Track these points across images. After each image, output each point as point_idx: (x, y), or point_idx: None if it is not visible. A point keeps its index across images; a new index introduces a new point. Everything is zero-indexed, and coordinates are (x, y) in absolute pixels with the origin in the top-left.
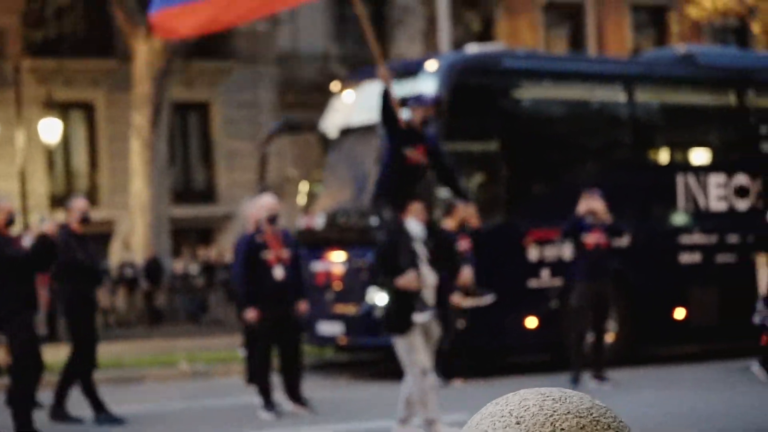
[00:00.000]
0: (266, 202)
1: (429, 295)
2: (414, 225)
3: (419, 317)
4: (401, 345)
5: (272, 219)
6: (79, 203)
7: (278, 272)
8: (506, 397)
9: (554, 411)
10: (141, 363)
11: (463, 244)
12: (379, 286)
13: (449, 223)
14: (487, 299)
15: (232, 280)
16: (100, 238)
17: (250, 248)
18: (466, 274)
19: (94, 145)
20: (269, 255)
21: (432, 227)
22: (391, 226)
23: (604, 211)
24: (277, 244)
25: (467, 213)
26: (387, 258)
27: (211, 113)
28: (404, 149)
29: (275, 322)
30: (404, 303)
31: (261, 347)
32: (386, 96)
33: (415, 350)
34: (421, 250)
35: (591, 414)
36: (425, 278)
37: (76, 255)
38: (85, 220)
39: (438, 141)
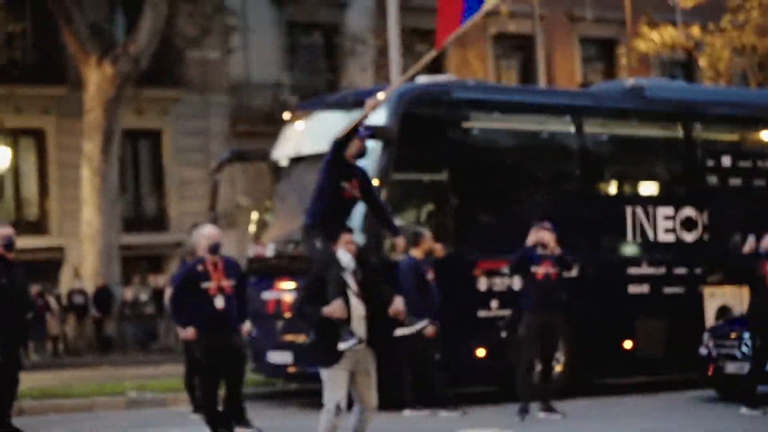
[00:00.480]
0: (208, 231)
1: (359, 326)
2: (344, 256)
3: (343, 345)
4: (324, 377)
5: (214, 248)
6: (3, 230)
7: (219, 302)
8: None
9: None
10: (89, 392)
11: (430, 275)
12: (304, 317)
13: (416, 253)
14: (417, 327)
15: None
16: (50, 265)
17: (188, 277)
18: (398, 303)
19: (44, 172)
20: (210, 285)
21: (360, 258)
22: (322, 256)
23: (553, 242)
24: (219, 273)
25: (433, 244)
26: (315, 288)
27: (162, 141)
28: (341, 182)
29: (218, 351)
30: (330, 334)
31: (206, 376)
32: (354, 127)
33: (335, 385)
34: (351, 281)
35: None
36: (354, 309)
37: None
38: (7, 246)
39: (368, 175)
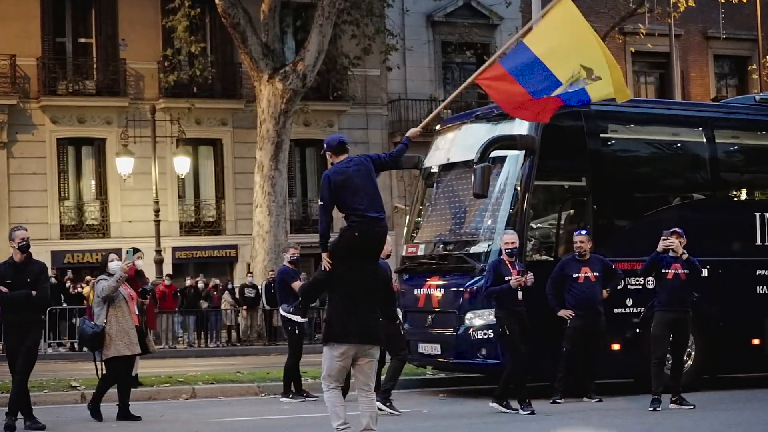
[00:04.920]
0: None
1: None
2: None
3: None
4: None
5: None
6: (19, 233)
7: None
8: None
9: None
10: (256, 377)
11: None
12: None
13: None
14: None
15: None
16: (225, 262)
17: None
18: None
19: (220, 178)
20: None
21: None
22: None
23: (680, 248)
24: None
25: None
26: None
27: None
28: None
29: None
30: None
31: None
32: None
33: (325, 360)
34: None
35: None
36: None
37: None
38: (22, 248)
39: None
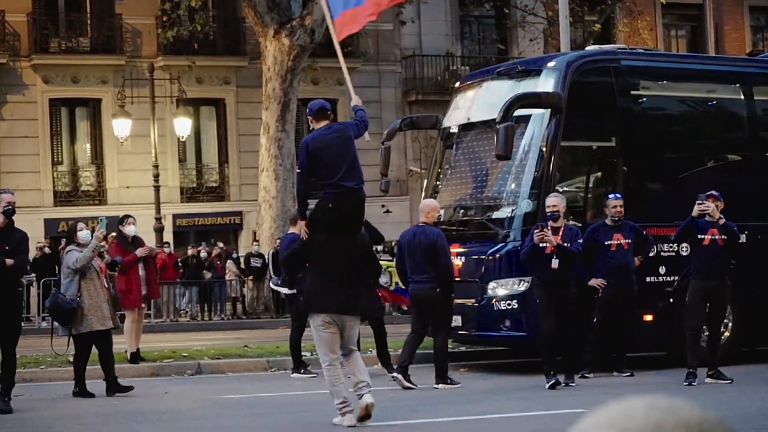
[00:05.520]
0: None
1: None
2: None
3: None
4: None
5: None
6: (6, 196)
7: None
8: (609, 408)
9: (661, 422)
10: (264, 352)
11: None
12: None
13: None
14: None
15: None
16: (229, 229)
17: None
18: None
19: (223, 140)
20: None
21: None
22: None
23: (717, 212)
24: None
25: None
26: None
27: (336, 110)
28: None
29: None
30: (317, 284)
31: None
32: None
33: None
34: None
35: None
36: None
37: None
38: (6, 212)
39: None
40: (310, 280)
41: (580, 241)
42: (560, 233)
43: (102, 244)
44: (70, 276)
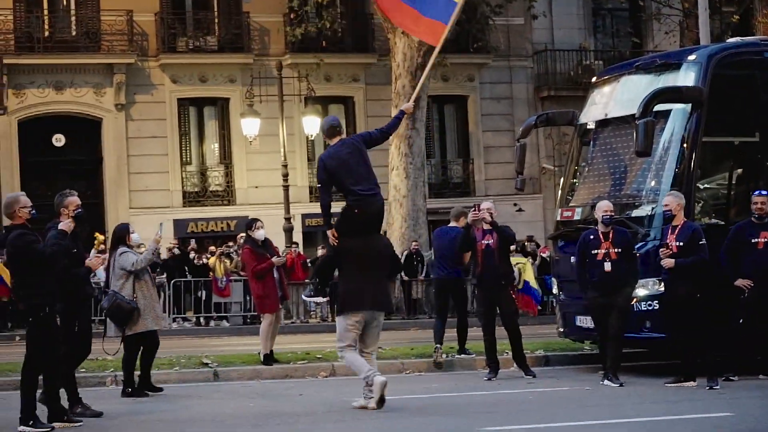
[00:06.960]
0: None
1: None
2: None
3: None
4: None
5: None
6: (74, 199)
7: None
8: None
9: None
10: (398, 354)
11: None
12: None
13: None
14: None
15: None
16: None
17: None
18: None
19: None
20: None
21: None
22: None
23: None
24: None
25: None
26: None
27: (468, 107)
28: None
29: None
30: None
31: None
32: None
33: (340, 330)
34: None
35: None
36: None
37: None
38: (78, 216)
39: None
40: (345, 283)
41: (703, 241)
42: (676, 231)
43: (159, 246)
44: (123, 277)
